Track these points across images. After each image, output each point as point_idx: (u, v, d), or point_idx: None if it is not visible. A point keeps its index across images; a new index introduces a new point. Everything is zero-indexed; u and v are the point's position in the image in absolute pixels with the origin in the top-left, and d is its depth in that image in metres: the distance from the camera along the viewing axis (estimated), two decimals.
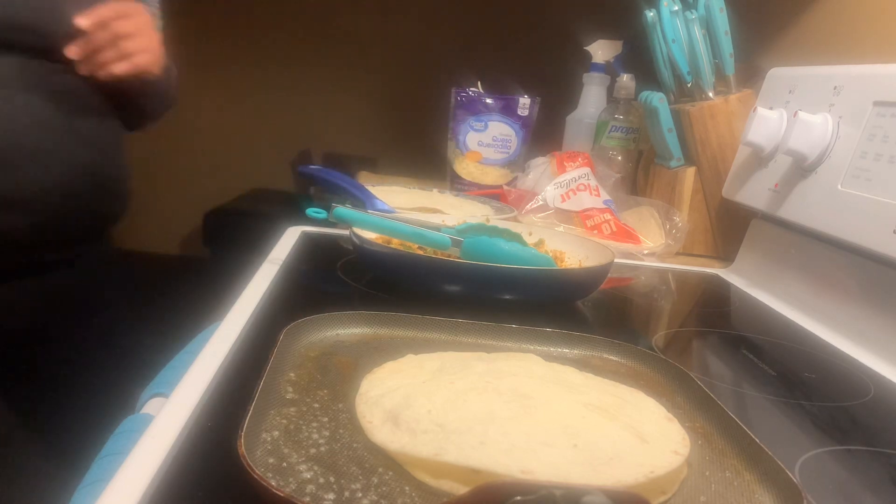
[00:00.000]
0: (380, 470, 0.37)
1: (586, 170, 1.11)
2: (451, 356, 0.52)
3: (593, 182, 1.09)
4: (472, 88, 1.33)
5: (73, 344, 0.91)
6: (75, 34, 0.78)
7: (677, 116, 1.08)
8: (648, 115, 1.10)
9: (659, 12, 1.05)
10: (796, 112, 0.83)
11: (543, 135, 1.38)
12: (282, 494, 0.32)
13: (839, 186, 0.78)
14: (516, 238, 0.76)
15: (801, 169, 0.85)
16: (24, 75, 0.77)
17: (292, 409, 0.42)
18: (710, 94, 1.05)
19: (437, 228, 0.75)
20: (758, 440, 0.41)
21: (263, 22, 3.40)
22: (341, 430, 0.41)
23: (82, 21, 0.77)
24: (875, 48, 0.93)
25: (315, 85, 3.47)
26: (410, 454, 0.37)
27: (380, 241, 0.74)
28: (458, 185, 1.34)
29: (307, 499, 0.33)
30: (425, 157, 1.56)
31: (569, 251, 0.82)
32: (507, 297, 0.68)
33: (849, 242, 0.76)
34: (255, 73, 3.43)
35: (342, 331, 0.56)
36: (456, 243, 0.71)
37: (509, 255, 0.70)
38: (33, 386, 0.84)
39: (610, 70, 1.35)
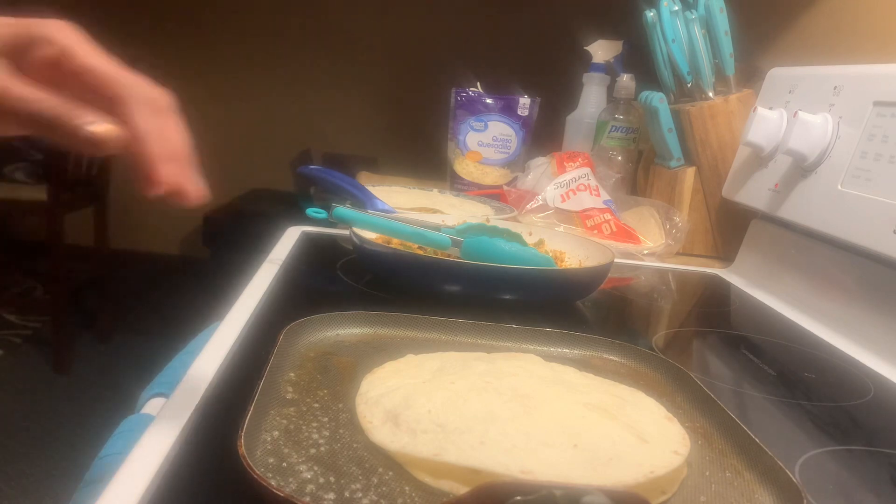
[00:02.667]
0: (380, 470, 0.37)
1: (586, 170, 1.11)
2: (451, 356, 0.52)
3: (593, 182, 1.09)
4: (472, 88, 1.33)
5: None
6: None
7: (677, 116, 1.08)
8: (648, 115, 1.10)
9: (659, 12, 1.05)
10: (796, 112, 0.83)
11: (543, 135, 1.38)
12: (282, 494, 0.32)
13: (839, 186, 0.78)
14: (516, 238, 0.76)
15: (801, 169, 0.85)
16: None
17: (292, 409, 0.42)
18: (710, 94, 1.05)
19: (437, 228, 0.75)
20: (758, 440, 0.41)
21: (263, 22, 3.41)
22: (341, 430, 0.41)
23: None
24: (875, 48, 0.93)
25: (315, 85, 3.47)
26: (410, 454, 0.37)
27: (380, 241, 0.74)
28: (458, 185, 1.34)
29: (307, 499, 0.33)
30: (425, 157, 1.57)
31: (569, 251, 0.82)
32: (507, 297, 0.68)
33: (849, 242, 0.76)
34: (254, 73, 3.43)
35: (342, 331, 0.56)
36: (456, 243, 0.71)
37: (509, 255, 0.70)
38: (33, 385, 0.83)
39: (610, 70, 1.35)
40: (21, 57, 0.35)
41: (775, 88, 0.97)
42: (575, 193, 1.08)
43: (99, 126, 0.33)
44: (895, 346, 0.69)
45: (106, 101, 0.35)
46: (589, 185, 1.08)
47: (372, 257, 0.74)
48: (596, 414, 0.43)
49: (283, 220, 0.96)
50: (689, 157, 1.09)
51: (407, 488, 0.35)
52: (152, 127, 0.35)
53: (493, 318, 0.59)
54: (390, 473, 0.37)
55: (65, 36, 0.36)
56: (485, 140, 1.32)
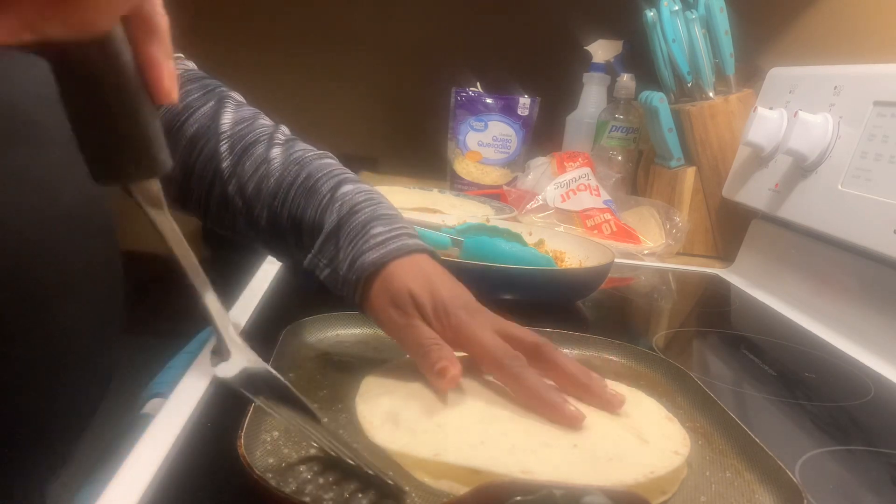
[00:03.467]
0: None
1: (586, 170, 1.11)
2: None
3: (593, 182, 1.09)
4: (472, 88, 1.33)
5: None
6: None
7: (677, 116, 1.08)
8: (648, 115, 1.10)
9: (659, 12, 1.05)
10: (796, 112, 0.83)
11: (543, 135, 1.38)
12: (282, 495, 0.32)
13: (839, 186, 0.78)
14: (516, 238, 0.76)
15: (802, 169, 0.85)
16: None
17: None
18: (711, 94, 1.05)
19: (437, 228, 0.75)
20: (758, 440, 0.41)
21: (262, 22, 3.41)
22: (341, 430, 0.41)
23: None
24: (875, 48, 0.93)
25: (314, 84, 3.46)
26: (410, 454, 0.37)
27: None
28: (458, 185, 1.34)
29: (307, 499, 0.33)
30: (425, 157, 1.56)
31: (569, 251, 0.82)
32: (507, 297, 0.67)
33: (849, 242, 0.76)
34: (253, 73, 3.42)
35: (342, 331, 0.56)
36: (456, 243, 0.71)
37: (509, 255, 0.70)
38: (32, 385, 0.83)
39: (610, 70, 1.35)
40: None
41: (775, 88, 0.96)
42: (575, 193, 1.07)
43: (445, 369, 0.42)
44: (895, 346, 0.69)
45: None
46: (589, 185, 1.08)
47: None
48: (596, 414, 0.43)
49: None
50: (689, 157, 1.09)
51: (407, 488, 0.35)
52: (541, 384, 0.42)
53: None
54: (390, 473, 0.37)
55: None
56: (485, 140, 1.32)
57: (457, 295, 0.47)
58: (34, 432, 0.47)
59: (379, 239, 0.48)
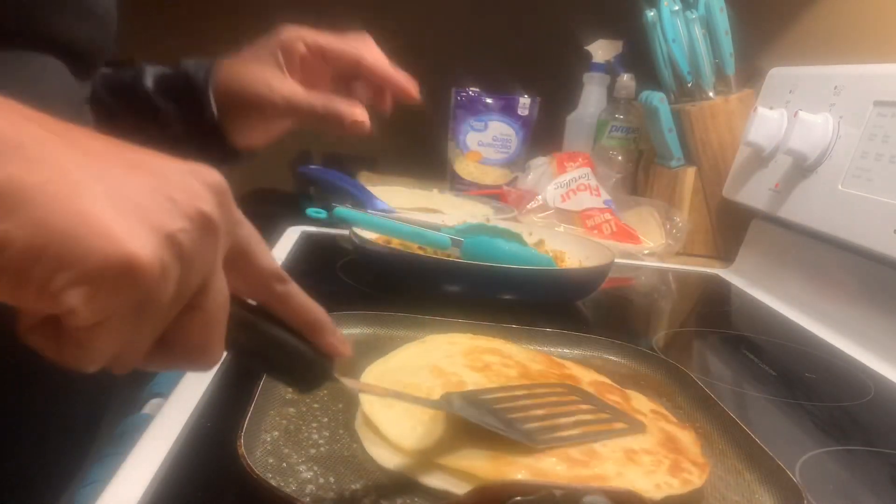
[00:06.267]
0: (380, 471, 0.37)
1: (586, 170, 1.11)
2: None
3: (593, 182, 1.09)
4: (472, 88, 1.33)
5: None
6: None
7: (677, 116, 1.08)
8: (648, 114, 1.10)
9: (659, 12, 1.05)
10: (797, 112, 0.83)
11: (543, 135, 1.38)
12: (282, 495, 0.32)
13: (840, 186, 0.78)
14: (516, 238, 0.76)
15: (802, 169, 0.85)
16: None
17: (292, 409, 0.42)
18: (711, 94, 1.05)
19: (437, 228, 0.74)
20: (758, 440, 0.41)
21: (262, 20, 3.40)
22: (341, 431, 0.41)
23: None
24: (875, 48, 0.93)
25: None
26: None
27: (380, 241, 0.74)
28: (458, 185, 1.34)
29: (307, 499, 0.33)
30: (425, 157, 1.56)
31: (569, 251, 0.82)
32: (507, 297, 0.68)
33: (849, 242, 0.76)
34: None
35: (342, 331, 0.56)
36: (456, 243, 0.71)
37: (509, 255, 0.70)
38: (33, 385, 0.83)
39: (610, 70, 1.35)
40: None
41: (776, 88, 0.96)
42: (575, 193, 1.07)
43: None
44: (895, 346, 0.69)
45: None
46: (589, 185, 1.08)
47: (372, 257, 0.74)
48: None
49: (283, 220, 0.96)
50: (689, 157, 1.09)
51: (407, 489, 0.35)
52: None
53: (493, 318, 0.59)
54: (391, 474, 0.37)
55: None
56: (485, 140, 1.32)
57: None
58: (49, 441, 0.47)
59: None
